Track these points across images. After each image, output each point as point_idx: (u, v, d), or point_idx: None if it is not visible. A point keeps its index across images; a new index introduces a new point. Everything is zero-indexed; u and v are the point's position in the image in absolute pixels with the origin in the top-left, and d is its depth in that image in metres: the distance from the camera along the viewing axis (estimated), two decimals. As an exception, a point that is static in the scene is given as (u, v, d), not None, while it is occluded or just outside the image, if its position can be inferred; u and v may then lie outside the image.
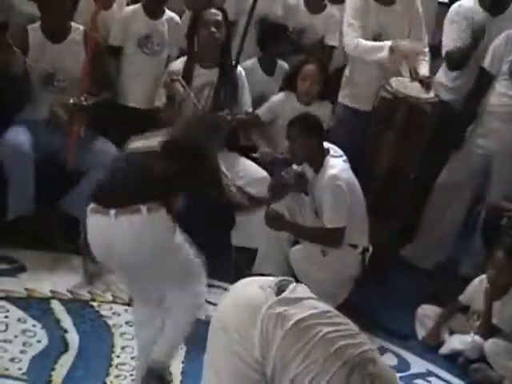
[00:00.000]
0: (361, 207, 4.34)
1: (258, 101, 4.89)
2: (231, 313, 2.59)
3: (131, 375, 3.54)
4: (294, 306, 2.55)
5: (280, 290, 2.60)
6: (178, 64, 4.68)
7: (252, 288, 2.62)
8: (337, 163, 4.23)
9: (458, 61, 4.87)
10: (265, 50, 5.01)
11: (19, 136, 4.26)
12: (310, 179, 4.34)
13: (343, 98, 4.93)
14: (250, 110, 4.79)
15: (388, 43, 4.62)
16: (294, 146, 4.27)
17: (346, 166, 4.27)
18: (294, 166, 4.43)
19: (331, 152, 4.27)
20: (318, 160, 4.25)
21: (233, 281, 4.29)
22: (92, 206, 3.09)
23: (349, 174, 4.26)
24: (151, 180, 3.06)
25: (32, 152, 4.25)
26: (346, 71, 4.94)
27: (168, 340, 3.25)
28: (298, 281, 4.26)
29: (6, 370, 3.39)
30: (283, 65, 5.05)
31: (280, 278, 2.69)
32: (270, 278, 2.69)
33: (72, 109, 4.30)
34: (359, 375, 2.38)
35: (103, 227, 3.05)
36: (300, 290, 2.66)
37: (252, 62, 4.99)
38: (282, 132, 4.76)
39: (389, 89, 4.55)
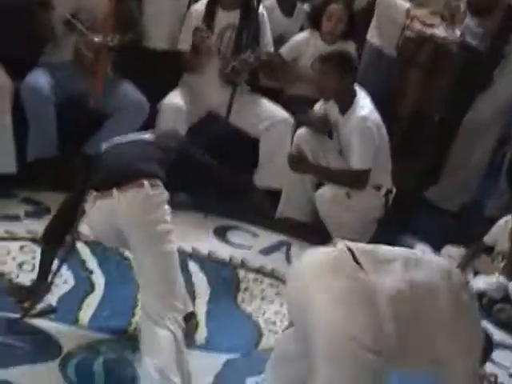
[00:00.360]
0: (385, 148, 4.32)
1: (277, 41, 4.84)
2: (338, 314, 2.39)
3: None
4: (385, 270, 2.48)
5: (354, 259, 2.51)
6: (200, 5, 4.64)
7: (343, 278, 2.44)
8: (366, 104, 4.19)
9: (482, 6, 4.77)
10: None
11: (39, 78, 4.25)
12: (334, 119, 4.30)
13: (371, 37, 4.87)
14: (272, 50, 4.74)
15: (406, 6, 4.53)
16: (325, 81, 4.20)
17: (373, 106, 4.23)
18: (317, 107, 4.40)
19: (358, 92, 4.23)
20: (346, 99, 4.20)
21: (257, 223, 4.43)
22: (93, 194, 3.09)
23: (376, 115, 4.22)
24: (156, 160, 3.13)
25: (53, 95, 4.23)
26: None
27: None
28: (322, 223, 4.37)
29: (34, 309, 3.43)
30: (302, 6, 4.98)
31: (337, 249, 2.57)
32: (332, 254, 2.55)
33: (98, 47, 4.27)
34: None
35: (106, 208, 3.05)
36: (361, 246, 2.59)
37: (271, 2, 4.92)
38: (305, 71, 4.74)
39: (413, 28, 4.49)
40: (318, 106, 4.42)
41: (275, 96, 4.79)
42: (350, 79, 4.18)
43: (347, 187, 4.27)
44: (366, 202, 4.32)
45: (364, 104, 4.19)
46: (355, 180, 4.26)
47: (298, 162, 4.31)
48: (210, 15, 4.58)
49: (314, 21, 4.83)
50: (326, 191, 4.34)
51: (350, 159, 4.23)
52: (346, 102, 4.20)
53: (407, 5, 4.59)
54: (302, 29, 4.96)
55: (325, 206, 4.33)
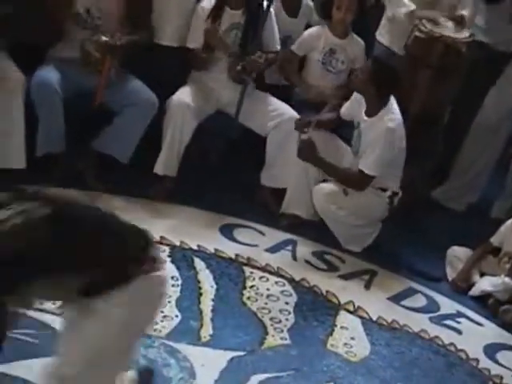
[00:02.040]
0: (401, 156, 4.36)
1: (284, 43, 4.79)
2: None
3: (162, 312, 3.57)
4: None
5: None
6: (207, 3, 4.62)
7: None
8: (396, 117, 4.26)
9: None
10: None
11: (48, 73, 4.24)
12: (358, 119, 4.34)
13: (381, 36, 4.87)
14: (279, 47, 4.74)
15: (411, 8, 4.58)
16: (357, 77, 4.32)
17: (401, 119, 4.28)
18: (344, 108, 4.46)
19: (390, 103, 4.27)
20: (375, 104, 4.25)
21: (263, 221, 4.44)
22: None
23: (402, 129, 4.28)
24: None
25: (60, 89, 4.23)
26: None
27: None
28: (322, 221, 4.39)
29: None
30: (309, 4, 4.97)
31: None
32: None
33: (104, 47, 4.27)
34: None
35: None
36: None
37: (276, 4, 4.88)
38: (315, 66, 4.76)
39: (423, 28, 4.49)
40: (344, 108, 4.47)
41: (282, 93, 4.79)
42: (376, 92, 4.21)
43: (347, 186, 4.30)
44: (367, 201, 4.35)
45: (393, 116, 4.25)
46: (357, 181, 4.30)
47: (308, 148, 4.32)
48: (217, 14, 4.58)
49: (324, 11, 4.83)
50: (323, 186, 4.38)
51: (363, 161, 4.26)
52: (374, 108, 4.26)
53: (413, 6, 4.58)
54: (307, 27, 4.94)
55: (320, 200, 4.37)
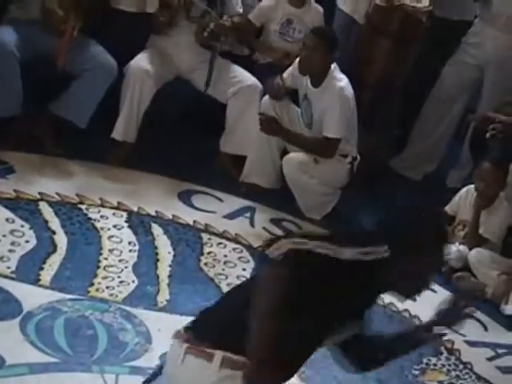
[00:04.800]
0: (354, 118, 4.37)
1: None
2: None
3: (118, 277, 3.59)
4: None
5: None
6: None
7: None
8: (342, 76, 4.26)
9: None
10: None
11: (4, 34, 4.18)
12: (304, 91, 4.33)
13: (342, 4, 4.86)
14: (241, 11, 4.72)
15: None
16: (309, 55, 4.24)
17: (346, 77, 4.29)
18: (285, 76, 4.41)
19: (332, 65, 4.27)
20: (321, 72, 4.25)
21: (222, 188, 4.44)
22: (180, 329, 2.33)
23: (350, 86, 4.28)
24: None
25: (17, 51, 4.17)
26: None
27: None
28: (288, 190, 4.41)
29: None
30: None
31: None
32: None
33: (67, 4, 4.21)
34: None
35: (171, 357, 2.32)
36: None
37: None
38: (273, 36, 4.77)
39: (383, -4, 4.50)
40: (286, 74, 4.43)
41: (241, 62, 4.77)
42: (331, 59, 4.23)
43: (315, 154, 4.31)
44: (333, 169, 4.37)
45: (340, 76, 4.26)
46: (325, 148, 4.32)
47: (269, 122, 4.33)
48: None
49: None
50: (294, 156, 4.38)
51: (325, 127, 4.27)
52: (320, 76, 4.26)
53: None
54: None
55: (292, 170, 4.37)
